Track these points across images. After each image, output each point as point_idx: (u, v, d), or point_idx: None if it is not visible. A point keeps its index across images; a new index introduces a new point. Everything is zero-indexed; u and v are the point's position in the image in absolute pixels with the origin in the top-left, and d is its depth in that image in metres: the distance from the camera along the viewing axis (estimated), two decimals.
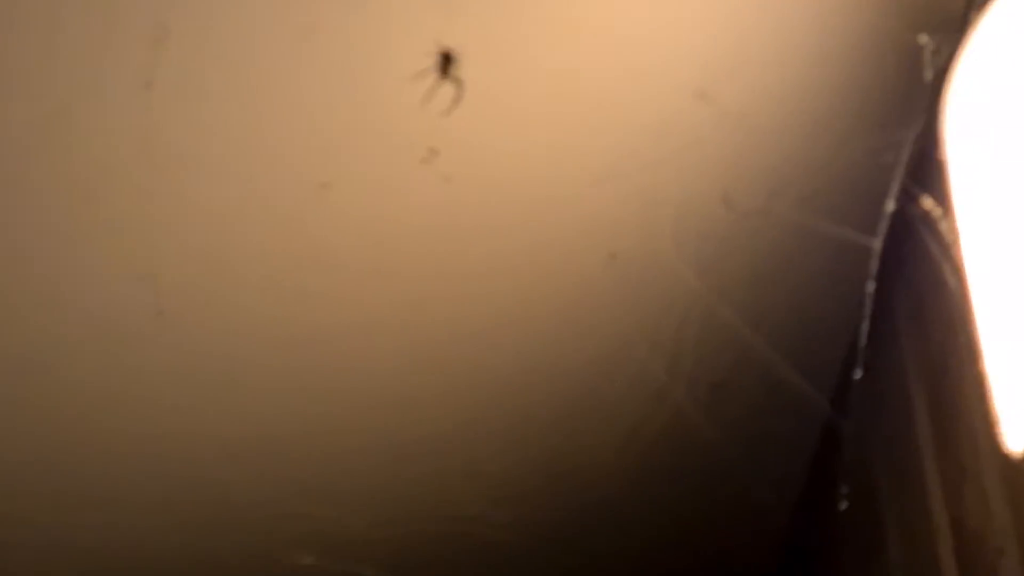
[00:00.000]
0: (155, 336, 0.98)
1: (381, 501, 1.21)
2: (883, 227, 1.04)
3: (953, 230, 0.88)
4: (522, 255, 1.02)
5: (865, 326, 1.10)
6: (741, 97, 0.95)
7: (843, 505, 1.16)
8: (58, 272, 0.93)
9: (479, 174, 0.96)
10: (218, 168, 0.90)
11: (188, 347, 0.99)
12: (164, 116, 0.84)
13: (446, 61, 0.87)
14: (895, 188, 1.01)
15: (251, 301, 0.98)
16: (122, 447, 1.06)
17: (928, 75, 0.93)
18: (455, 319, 1.05)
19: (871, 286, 1.07)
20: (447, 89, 0.88)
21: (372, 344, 1.04)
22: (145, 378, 1.02)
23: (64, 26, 0.78)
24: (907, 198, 1.01)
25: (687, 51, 0.94)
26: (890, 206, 1.03)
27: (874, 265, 1.06)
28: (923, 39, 0.90)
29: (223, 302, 0.98)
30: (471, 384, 1.13)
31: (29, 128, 0.83)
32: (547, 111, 0.95)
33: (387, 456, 1.16)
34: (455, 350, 1.08)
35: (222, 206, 0.93)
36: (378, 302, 1.02)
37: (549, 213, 0.99)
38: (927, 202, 0.97)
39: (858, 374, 1.13)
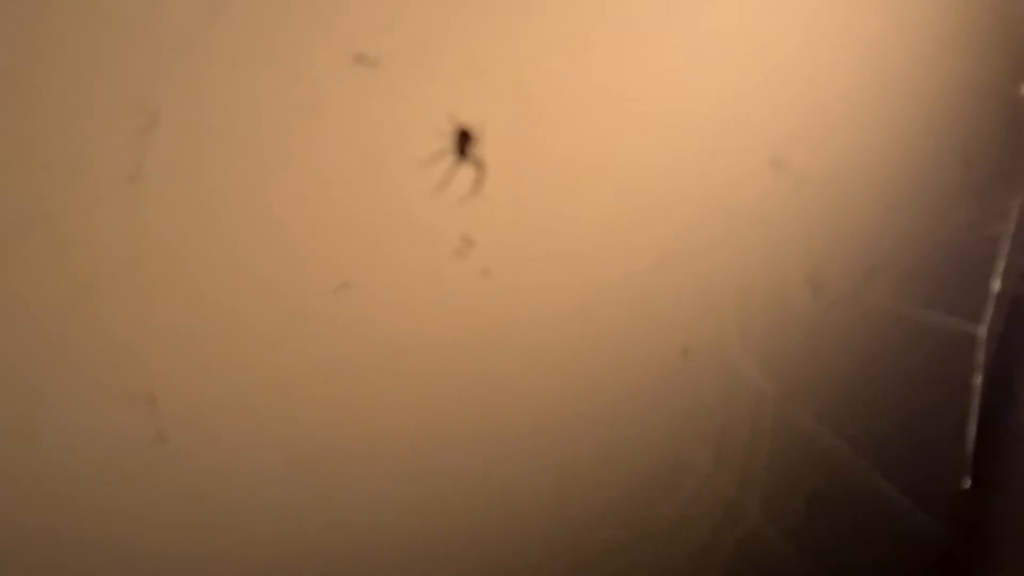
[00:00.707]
0: (155, 463, 0.84)
1: None
2: (989, 310, 0.90)
3: None
4: (573, 349, 0.88)
5: (973, 427, 0.95)
6: (823, 165, 0.83)
7: None
8: (40, 395, 0.81)
9: (520, 263, 0.84)
10: (219, 270, 0.79)
11: (193, 473, 0.86)
12: (154, 213, 0.73)
13: (464, 140, 0.76)
14: (1002, 264, 0.88)
15: (262, 419, 0.85)
16: None
17: None
18: (494, 431, 0.91)
19: (979, 380, 0.92)
20: (467, 171, 0.79)
21: (399, 463, 0.90)
22: (146, 510, 0.88)
23: (36, 119, 0.69)
24: (1017, 274, 0.88)
25: (761, 116, 0.83)
26: (996, 285, 0.89)
27: (981, 356, 0.91)
28: None
29: (230, 421, 0.85)
30: (510, 501, 0.97)
31: (6, 236, 0.73)
32: (592, 187, 0.83)
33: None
34: (494, 467, 0.93)
35: (226, 313, 0.81)
36: (406, 415, 0.88)
37: (604, 303, 0.86)
38: None
39: (966, 484, 0.97)
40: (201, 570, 0.92)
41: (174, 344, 0.81)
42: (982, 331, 0.91)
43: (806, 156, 0.85)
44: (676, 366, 0.89)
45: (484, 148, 0.78)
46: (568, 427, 0.93)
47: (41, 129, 0.69)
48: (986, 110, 0.82)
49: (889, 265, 0.86)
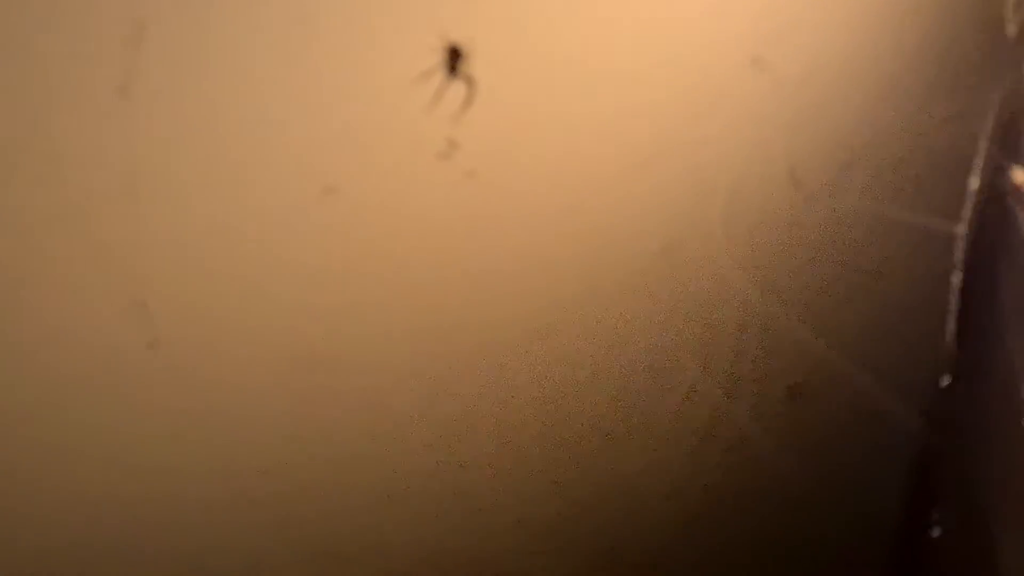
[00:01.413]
0: (147, 369, 0.86)
1: (402, 541, 1.06)
2: (968, 209, 0.92)
3: None
4: (561, 249, 0.90)
5: (952, 325, 0.97)
6: (800, 61, 0.84)
7: (936, 532, 1.02)
8: (36, 303, 0.82)
9: (507, 164, 0.85)
10: (207, 177, 0.80)
11: (185, 379, 0.87)
12: (144, 124, 0.74)
13: (455, 57, 0.77)
14: (980, 160, 0.89)
15: (253, 323, 0.86)
16: (116, 492, 0.93)
17: (1011, 29, 0.81)
18: (483, 327, 0.93)
19: (957, 277, 0.94)
20: (458, 87, 0.80)
21: (390, 361, 0.91)
22: (139, 415, 0.90)
23: (29, 34, 0.69)
24: (995, 171, 0.89)
25: (740, 17, 0.83)
26: (974, 183, 0.90)
27: (959, 253, 0.93)
28: None
29: (221, 326, 0.86)
30: (501, 400, 0.99)
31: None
32: (578, 92, 0.84)
33: (398, 487, 1.02)
34: (483, 361, 0.95)
35: (214, 219, 0.82)
36: (395, 314, 0.90)
37: (589, 201, 0.87)
38: (1019, 174, 0.85)
39: (945, 381, 1.00)
40: (190, 480, 0.94)
41: (165, 252, 0.82)
42: (960, 229, 0.92)
43: (785, 55, 0.85)
44: (660, 265, 0.91)
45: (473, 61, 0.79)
46: (554, 328, 0.94)
47: (28, 40, 0.69)
48: (961, 7, 0.82)
49: (866, 159, 0.87)
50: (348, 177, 0.83)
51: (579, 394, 0.99)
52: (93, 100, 0.74)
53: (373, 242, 0.86)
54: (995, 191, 0.85)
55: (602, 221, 0.89)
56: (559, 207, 0.88)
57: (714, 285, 0.92)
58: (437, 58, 0.78)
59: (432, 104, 0.80)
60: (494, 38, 0.77)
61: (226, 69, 0.76)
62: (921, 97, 0.86)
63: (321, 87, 0.79)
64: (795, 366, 0.98)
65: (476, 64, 0.79)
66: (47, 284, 0.81)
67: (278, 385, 0.89)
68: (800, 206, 0.89)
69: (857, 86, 0.86)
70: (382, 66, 0.79)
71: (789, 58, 0.85)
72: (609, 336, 0.95)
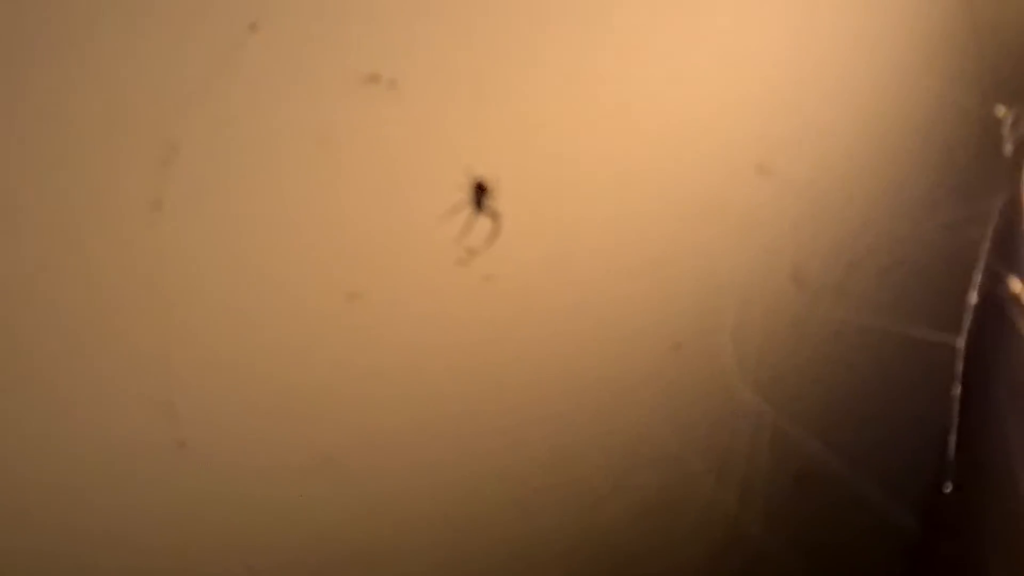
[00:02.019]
0: (176, 467, 0.89)
1: None
2: (967, 320, 0.94)
3: None
4: (571, 348, 0.93)
5: (953, 436, 0.98)
6: (804, 168, 0.87)
7: None
8: (71, 402, 0.85)
9: (522, 269, 0.88)
10: (235, 285, 0.83)
11: (211, 478, 0.90)
12: (175, 235, 0.77)
13: (480, 193, 0.81)
14: (979, 275, 0.91)
15: (278, 425, 0.89)
16: None
17: (1008, 148, 0.85)
18: (500, 429, 0.96)
19: (957, 388, 0.95)
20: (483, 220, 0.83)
21: (410, 462, 0.94)
22: (166, 512, 0.92)
23: (68, 152, 0.72)
24: (994, 280, 0.91)
25: (740, 125, 0.87)
26: (974, 294, 0.92)
27: (959, 366, 0.94)
28: (1000, 110, 0.82)
29: (247, 428, 0.89)
30: (517, 499, 1.02)
31: (39, 258, 0.77)
32: (596, 199, 0.87)
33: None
34: (499, 463, 0.98)
35: (241, 325, 0.85)
36: (415, 415, 0.93)
37: (602, 303, 0.90)
38: (1016, 284, 0.88)
39: (947, 488, 1.00)
40: (219, 567, 0.97)
41: (193, 355, 0.85)
42: (960, 342, 0.92)
43: (789, 161, 0.88)
44: (668, 361, 0.94)
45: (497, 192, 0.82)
46: (565, 419, 0.97)
47: (71, 161, 0.72)
48: (960, 125, 0.85)
49: (869, 263, 0.90)
50: (371, 284, 0.86)
51: (585, 476, 1.02)
52: (128, 214, 0.78)
53: (395, 344, 0.89)
54: (994, 300, 0.88)
55: (610, 318, 0.92)
56: (568, 305, 0.91)
57: (721, 383, 0.95)
58: (464, 194, 0.82)
59: (460, 237, 0.83)
60: (516, 170, 0.80)
61: (252, 186, 0.80)
62: (922, 205, 0.89)
63: (343, 202, 0.82)
64: (796, 467, 1.00)
65: (500, 197, 0.82)
66: (80, 385, 0.84)
67: (300, 484, 0.92)
68: (804, 306, 0.92)
69: (860, 193, 0.89)
70: (408, 178, 0.82)
71: (793, 164, 0.89)
72: (616, 424, 0.98)
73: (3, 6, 0.68)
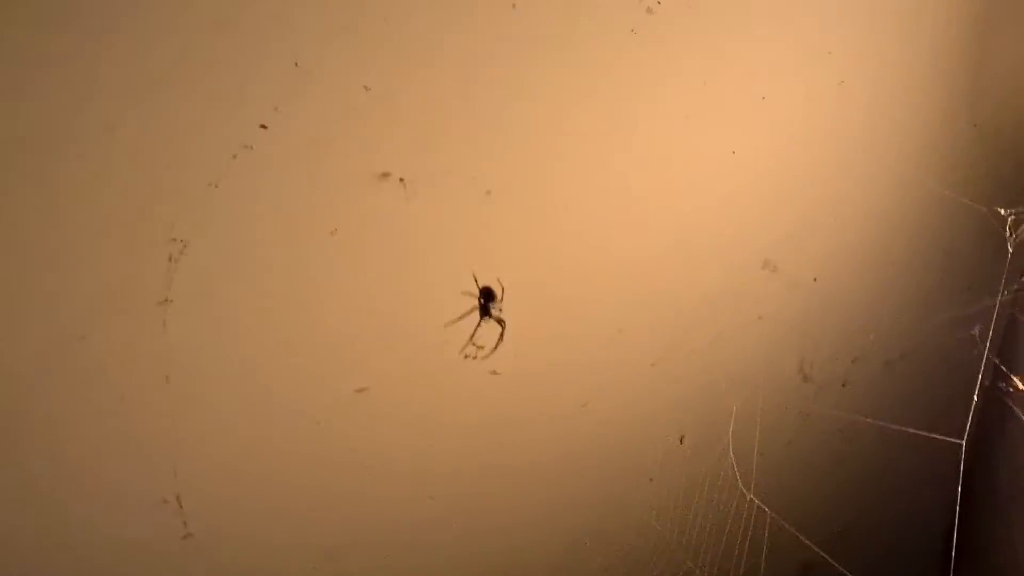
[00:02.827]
0: (182, 560, 0.89)
1: None
2: (970, 416, 0.93)
3: None
4: (578, 444, 0.93)
5: (955, 537, 0.97)
6: (808, 264, 0.88)
7: None
8: (76, 497, 0.85)
9: (527, 362, 0.88)
10: (242, 380, 0.83)
11: (217, 569, 0.90)
12: (182, 331, 0.77)
13: (487, 299, 0.82)
14: (980, 365, 0.91)
15: (282, 515, 0.89)
16: None
17: (1010, 247, 0.85)
18: (504, 515, 0.96)
19: (959, 486, 0.94)
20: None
21: (415, 550, 0.94)
22: None
23: (80, 253, 0.73)
24: (996, 376, 0.91)
25: (746, 223, 0.87)
26: (976, 389, 0.92)
27: (962, 462, 0.93)
28: (1002, 212, 0.83)
29: (253, 519, 0.89)
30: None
31: (47, 351, 0.76)
32: (597, 303, 0.88)
33: None
34: (503, 543, 0.98)
35: (248, 419, 0.85)
36: (421, 504, 0.93)
37: (608, 396, 0.90)
38: (1016, 380, 0.88)
39: None
40: None
41: (198, 448, 0.85)
42: (963, 440, 0.91)
43: (794, 258, 0.89)
44: (673, 451, 0.94)
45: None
46: (569, 503, 0.97)
47: (83, 261, 0.72)
48: (967, 221, 0.86)
49: (872, 356, 0.91)
50: (378, 377, 0.86)
51: (586, 560, 1.02)
52: (137, 309, 0.78)
53: (401, 437, 0.89)
54: (997, 397, 0.88)
55: (617, 413, 0.92)
56: (578, 400, 0.91)
57: (726, 477, 0.95)
58: (471, 298, 0.83)
59: (466, 347, 0.84)
60: (523, 273, 0.80)
61: (259, 282, 0.80)
62: (925, 303, 0.89)
63: (349, 300, 0.82)
64: (803, 557, 1.00)
65: (507, 300, 0.82)
66: (86, 478, 0.84)
67: (305, 572, 0.92)
68: (809, 398, 0.92)
69: (864, 289, 0.89)
70: (413, 272, 0.82)
71: (798, 261, 0.89)
72: (615, 509, 0.98)
73: (30, 110, 0.68)
